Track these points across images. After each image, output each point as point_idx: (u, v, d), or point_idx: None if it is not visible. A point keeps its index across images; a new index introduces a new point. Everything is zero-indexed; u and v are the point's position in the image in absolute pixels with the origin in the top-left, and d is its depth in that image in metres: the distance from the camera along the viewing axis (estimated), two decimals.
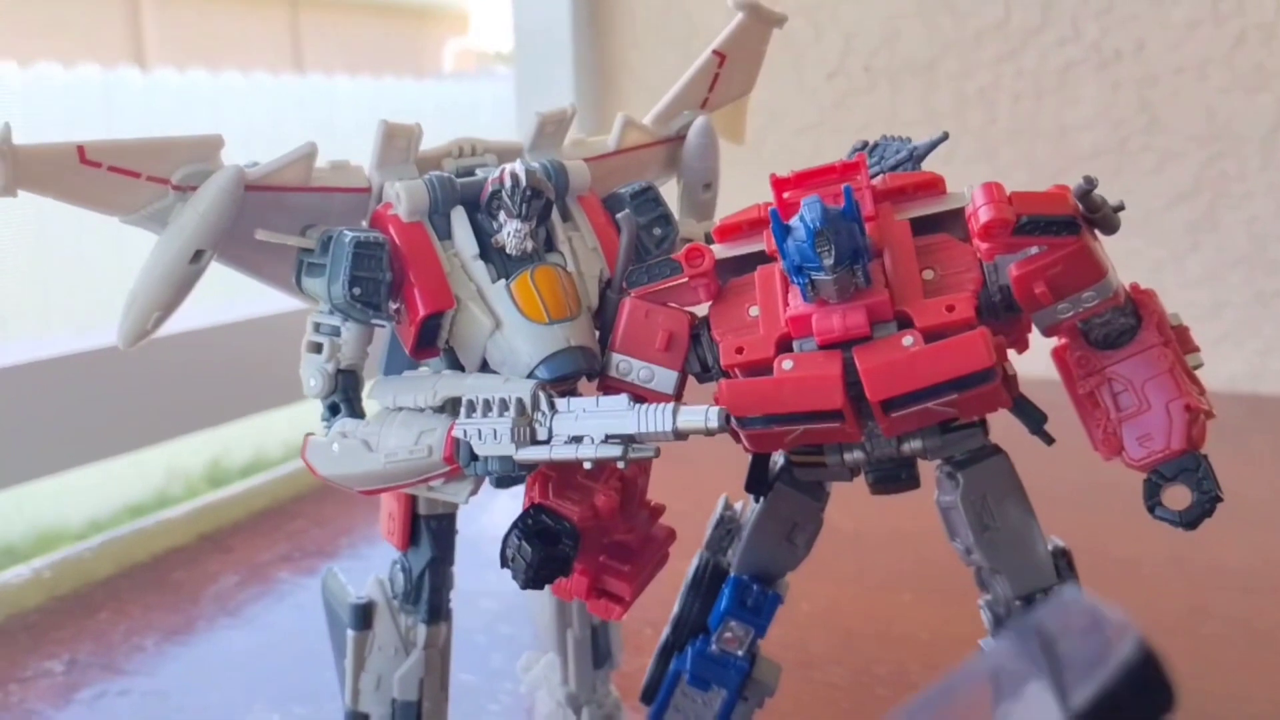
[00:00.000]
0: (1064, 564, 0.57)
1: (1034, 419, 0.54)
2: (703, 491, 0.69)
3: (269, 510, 1.28)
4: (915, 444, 0.54)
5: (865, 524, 1.06)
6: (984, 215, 0.47)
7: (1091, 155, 1.63)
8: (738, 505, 0.64)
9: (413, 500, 0.61)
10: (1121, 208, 0.50)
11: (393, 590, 0.63)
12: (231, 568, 1.12)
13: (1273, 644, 0.86)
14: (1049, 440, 0.55)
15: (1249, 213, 1.59)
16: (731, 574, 0.60)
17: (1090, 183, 0.47)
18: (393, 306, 0.54)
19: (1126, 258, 1.63)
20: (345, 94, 2.36)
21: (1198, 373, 0.55)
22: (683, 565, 0.62)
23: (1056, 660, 0.20)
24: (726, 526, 0.63)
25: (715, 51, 0.63)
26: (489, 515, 1.04)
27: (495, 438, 0.48)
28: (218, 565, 1.13)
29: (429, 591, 0.62)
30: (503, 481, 0.54)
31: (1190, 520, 0.50)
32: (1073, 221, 0.47)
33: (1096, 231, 0.51)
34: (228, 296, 1.45)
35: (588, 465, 0.48)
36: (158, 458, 1.51)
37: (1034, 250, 0.49)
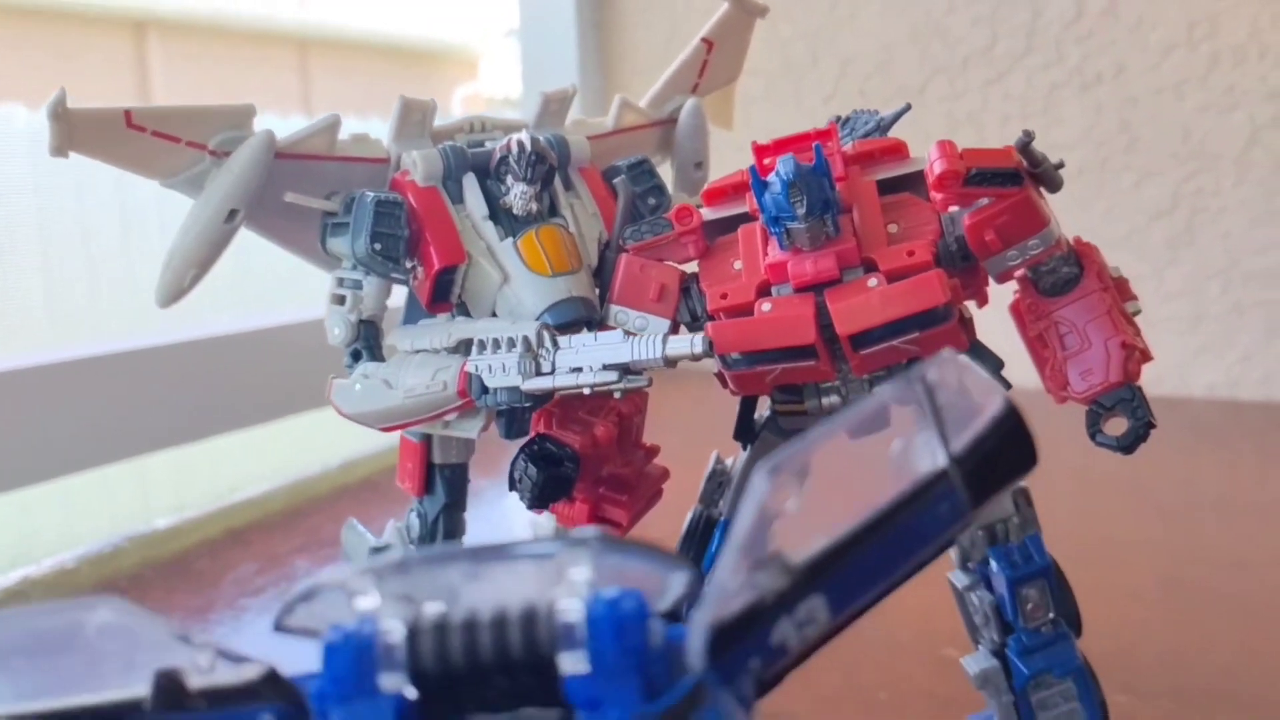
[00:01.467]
0: (1022, 500, 0.62)
1: (990, 363, 0.60)
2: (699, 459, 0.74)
3: (285, 510, 1.33)
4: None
5: None
6: (938, 168, 0.53)
7: (1076, 173, 1.69)
8: (728, 460, 0.69)
9: (427, 450, 0.66)
10: (1061, 165, 0.56)
11: (409, 535, 0.68)
12: (251, 558, 1.17)
13: (1240, 608, 0.91)
14: (1006, 385, 0.61)
15: (1224, 227, 1.65)
16: (722, 519, 0.66)
17: (1028, 135, 0.53)
18: (409, 264, 0.60)
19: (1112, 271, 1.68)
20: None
21: (1145, 332, 0.60)
22: (678, 525, 0.67)
23: (938, 409, 0.25)
24: (718, 480, 0.68)
25: (704, 39, 0.69)
26: (488, 525, 1.09)
27: (504, 371, 0.54)
28: (238, 556, 1.17)
29: (443, 535, 0.67)
30: (510, 429, 0.59)
31: (1126, 444, 0.56)
32: (1016, 174, 0.53)
33: (1042, 190, 0.56)
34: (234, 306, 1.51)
35: (587, 392, 0.53)
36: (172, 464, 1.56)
37: (984, 202, 0.54)
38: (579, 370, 0.53)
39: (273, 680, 0.24)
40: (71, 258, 1.65)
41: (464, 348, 0.57)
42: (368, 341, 0.60)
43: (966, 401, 0.26)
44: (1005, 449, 0.25)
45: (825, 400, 0.60)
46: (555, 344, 0.54)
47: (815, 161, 0.53)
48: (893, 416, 0.26)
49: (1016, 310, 0.60)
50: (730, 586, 0.23)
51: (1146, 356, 0.58)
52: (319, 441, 1.63)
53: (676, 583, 0.24)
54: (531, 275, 0.59)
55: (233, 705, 0.24)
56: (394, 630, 0.23)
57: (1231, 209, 1.65)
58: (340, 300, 0.60)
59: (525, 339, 0.54)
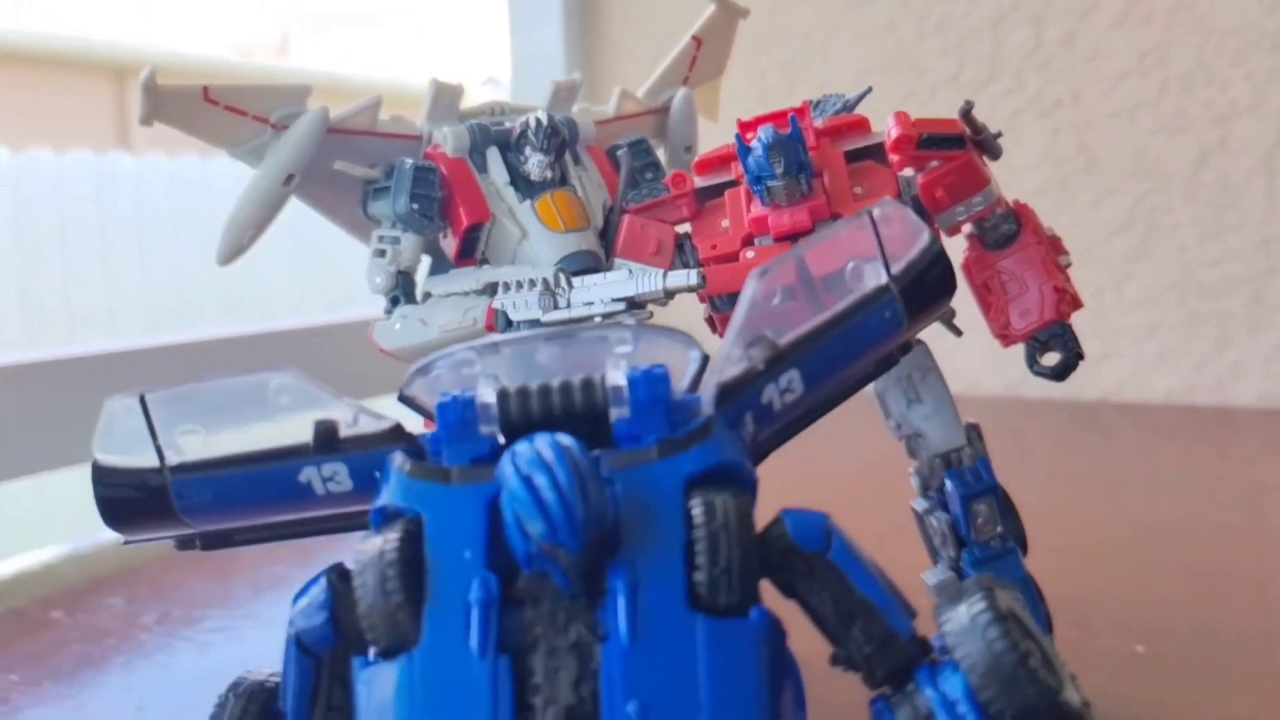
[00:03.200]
0: (974, 434, 0.71)
1: (944, 313, 0.69)
2: None
3: None
4: None
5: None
6: (894, 133, 0.63)
7: (1037, 193, 1.80)
8: None
9: None
10: (999, 135, 0.66)
11: None
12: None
13: (1186, 568, 1.00)
14: (957, 332, 0.70)
15: (1178, 242, 1.76)
16: None
17: (968, 104, 0.63)
18: (441, 225, 0.69)
19: (1076, 286, 1.81)
20: None
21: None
22: None
23: (881, 241, 0.34)
24: None
25: (694, 37, 0.79)
26: None
27: (526, 307, 0.63)
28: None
29: None
30: None
31: (1059, 373, 0.65)
32: (960, 139, 0.63)
33: (985, 158, 0.66)
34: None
35: (598, 320, 0.62)
36: None
37: (935, 165, 0.64)
38: (590, 304, 0.62)
39: (399, 431, 0.32)
40: (51, 293, 1.72)
41: (490, 290, 0.66)
42: (405, 289, 0.69)
43: (903, 236, 0.35)
44: (932, 273, 0.34)
45: None
46: (570, 284, 0.63)
47: (791, 130, 0.63)
48: (848, 245, 0.35)
49: (966, 266, 0.70)
50: (732, 358, 0.32)
51: (1077, 302, 0.68)
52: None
53: (693, 359, 0.33)
54: (547, 231, 0.68)
55: (371, 448, 0.32)
56: (488, 394, 0.32)
57: (1184, 225, 1.76)
58: (381, 254, 0.69)
59: (544, 280, 0.63)
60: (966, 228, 0.68)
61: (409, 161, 0.68)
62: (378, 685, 0.28)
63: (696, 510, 0.29)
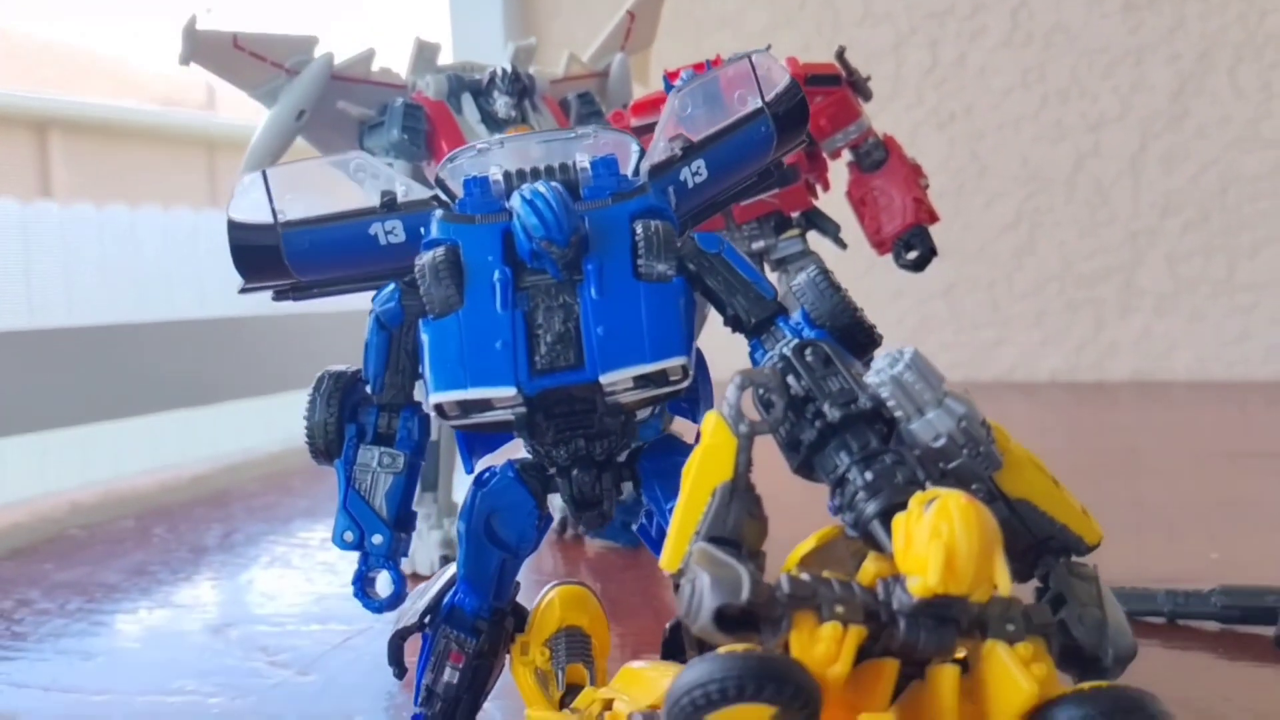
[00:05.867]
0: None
1: (830, 225, 0.86)
2: None
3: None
4: (758, 244, 0.86)
5: None
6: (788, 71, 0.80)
7: (937, 198, 2.00)
8: None
9: None
10: (869, 78, 0.83)
11: None
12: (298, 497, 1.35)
13: None
14: (842, 245, 0.87)
15: (1059, 238, 1.97)
16: None
17: (841, 48, 0.81)
18: (426, 155, 0.85)
19: (970, 279, 2.01)
20: None
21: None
22: None
23: (759, 79, 0.50)
24: None
25: (628, 11, 0.97)
26: None
27: None
28: (278, 495, 1.37)
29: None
30: None
31: (919, 264, 0.83)
32: (838, 78, 0.81)
33: (860, 100, 0.84)
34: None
35: None
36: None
37: (819, 100, 0.82)
38: None
39: (438, 199, 0.48)
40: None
41: None
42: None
43: (772, 78, 0.52)
44: (793, 102, 0.51)
45: None
46: None
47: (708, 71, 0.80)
48: (737, 81, 0.51)
49: (849, 193, 0.87)
50: (658, 149, 0.49)
51: (933, 214, 0.85)
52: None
53: (634, 151, 0.49)
54: None
55: (418, 210, 0.48)
56: (498, 174, 0.47)
57: (1064, 223, 1.97)
58: None
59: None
60: (846, 155, 0.86)
61: (400, 99, 0.84)
62: (438, 331, 0.44)
63: (638, 226, 0.45)
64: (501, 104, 0.86)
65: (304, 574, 0.93)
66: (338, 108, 0.85)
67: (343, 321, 1.75)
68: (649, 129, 0.88)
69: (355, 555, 0.48)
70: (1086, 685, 0.35)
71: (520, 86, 0.86)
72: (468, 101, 0.87)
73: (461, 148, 0.50)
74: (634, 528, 0.50)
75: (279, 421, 1.92)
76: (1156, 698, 0.34)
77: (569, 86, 0.95)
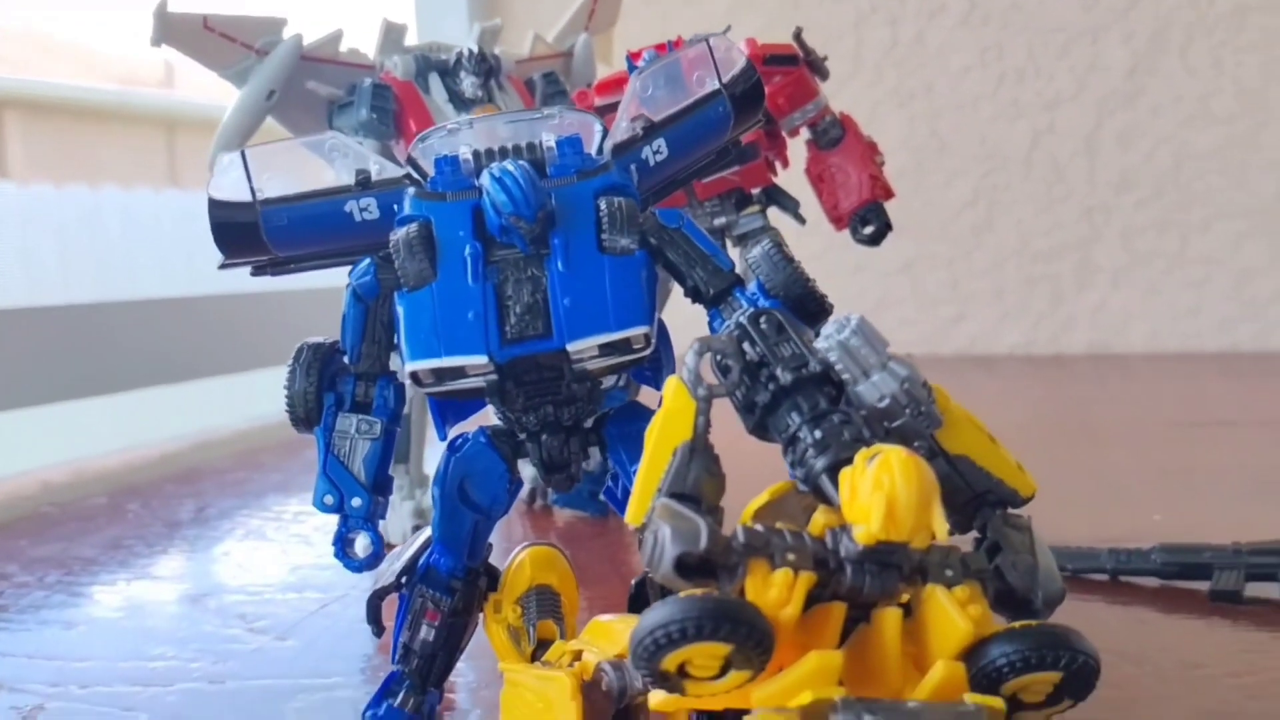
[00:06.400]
0: None
1: (789, 202, 0.89)
2: None
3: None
4: (720, 220, 0.88)
5: None
6: (745, 53, 0.82)
7: (897, 176, 2.02)
8: None
9: None
10: (826, 58, 0.86)
11: None
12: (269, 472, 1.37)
13: None
14: (802, 221, 0.90)
15: (1016, 216, 2.01)
16: None
17: (798, 29, 0.84)
18: (394, 134, 0.87)
19: (930, 256, 2.05)
20: None
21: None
22: None
23: (716, 62, 0.53)
24: None
25: None
26: None
27: None
28: (248, 471, 1.38)
29: None
30: None
31: (874, 239, 0.86)
32: (795, 58, 0.83)
33: (817, 79, 0.87)
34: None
35: None
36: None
37: (777, 79, 0.84)
38: None
39: (409, 178, 0.50)
40: None
41: None
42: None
43: (730, 61, 0.54)
44: (749, 84, 0.53)
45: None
46: None
47: (668, 52, 0.82)
48: (696, 64, 0.54)
49: (808, 170, 0.90)
50: (621, 129, 0.51)
51: (889, 190, 0.88)
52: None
53: (598, 131, 0.51)
54: None
55: (391, 188, 0.50)
56: (467, 153, 0.49)
57: (1021, 200, 2.01)
58: None
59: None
60: (805, 133, 0.88)
61: (368, 80, 0.85)
62: (413, 303, 0.46)
63: (602, 203, 0.47)
64: (468, 84, 0.88)
65: (279, 545, 0.95)
66: (307, 88, 0.87)
67: (306, 299, 1.76)
68: (612, 108, 0.90)
69: (333, 522, 0.51)
70: (1018, 624, 0.38)
71: (486, 67, 0.88)
72: (435, 81, 0.89)
73: (432, 128, 0.52)
74: (601, 494, 0.53)
75: (245, 400, 1.93)
76: (1081, 634, 0.37)
77: (534, 67, 0.97)
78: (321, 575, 0.86)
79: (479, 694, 0.63)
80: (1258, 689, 0.59)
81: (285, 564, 0.90)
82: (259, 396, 1.90)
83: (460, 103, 0.88)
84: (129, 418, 1.80)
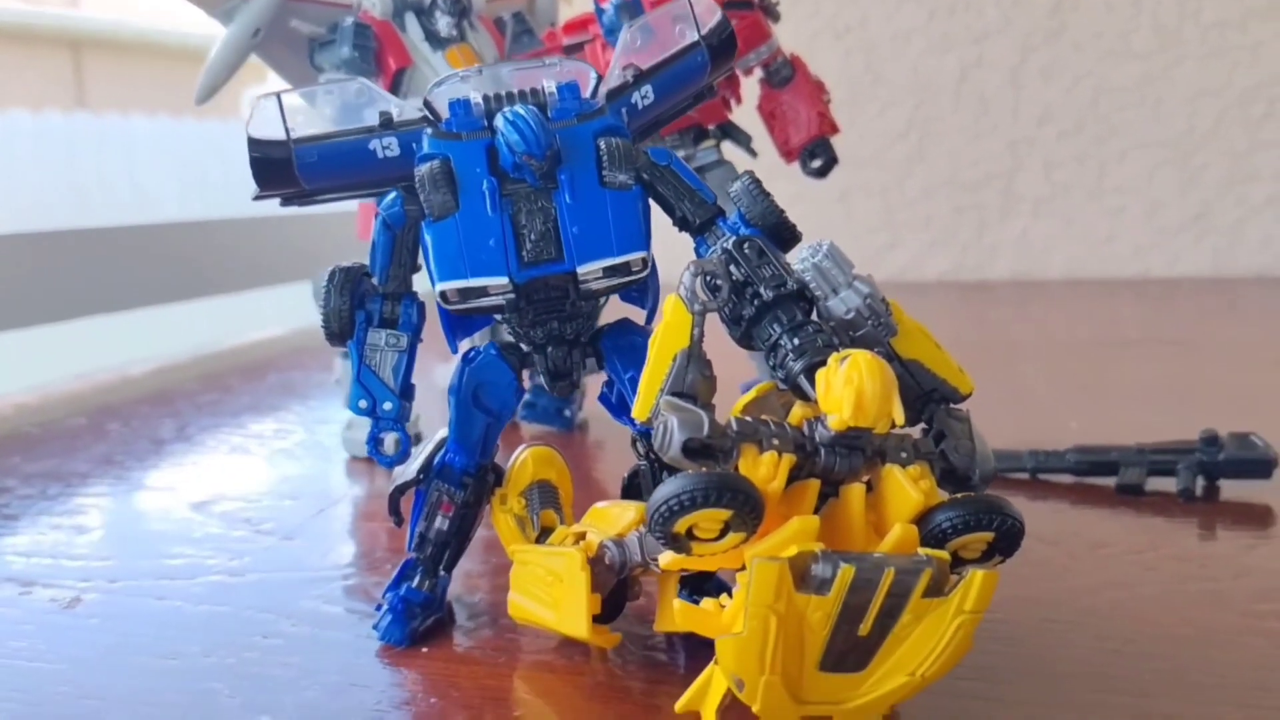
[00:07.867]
0: None
1: (742, 137, 0.96)
2: None
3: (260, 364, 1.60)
4: (680, 153, 0.95)
5: None
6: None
7: (836, 107, 2.11)
8: None
9: None
10: (778, 3, 0.93)
11: None
12: (239, 394, 1.44)
13: None
14: (753, 154, 0.97)
15: (946, 147, 2.10)
16: None
17: None
18: (374, 71, 0.92)
19: (864, 185, 2.12)
20: (142, 133, 2.37)
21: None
22: None
23: (695, 17, 0.59)
24: None
25: None
26: None
27: None
28: (219, 394, 1.45)
29: None
30: None
31: (822, 171, 0.93)
32: (750, 2, 0.90)
33: (770, 22, 0.93)
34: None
35: None
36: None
37: (734, 23, 0.90)
38: None
39: (427, 119, 0.56)
40: None
41: None
42: None
43: (707, 15, 0.61)
44: (724, 35, 0.60)
45: None
46: None
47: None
48: (676, 17, 0.60)
49: (760, 107, 0.97)
50: (613, 76, 0.58)
51: (835, 126, 0.96)
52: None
53: (592, 78, 0.57)
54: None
55: (412, 128, 0.56)
56: (478, 97, 0.56)
57: (951, 132, 2.09)
58: None
59: None
60: (758, 72, 0.95)
61: (349, 19, 0.90)
62: (440, 232, 0.53)
63: (601, 143, 0.54)
64: (443, 23, 0.93)
65: (266, 459, 1.02)
66: (290, 26, 0.91)
67: (243, 228, 1.79)
68: (579, 47, 0.97)
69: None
70: (960, 495, 0.46)
71: (460, 7, 0.93)
72: (411, 20, 0.94)
73: (445, 75, 0.58)
74: (597, 397, 0.60)
75: (200, 327, 1.96)
76: (1010, 503, 0.46)
77: (502, 6, 1.02)
78: (313, 485, 0.92)
79: (474, 581, 0.71)
80: (1155, 563, 0.68)
81: (276, 475, 0.96)
82: (212, 323, 1.94)
83: (435, 41, 0.93)
84: (80, 346, 1.83)
